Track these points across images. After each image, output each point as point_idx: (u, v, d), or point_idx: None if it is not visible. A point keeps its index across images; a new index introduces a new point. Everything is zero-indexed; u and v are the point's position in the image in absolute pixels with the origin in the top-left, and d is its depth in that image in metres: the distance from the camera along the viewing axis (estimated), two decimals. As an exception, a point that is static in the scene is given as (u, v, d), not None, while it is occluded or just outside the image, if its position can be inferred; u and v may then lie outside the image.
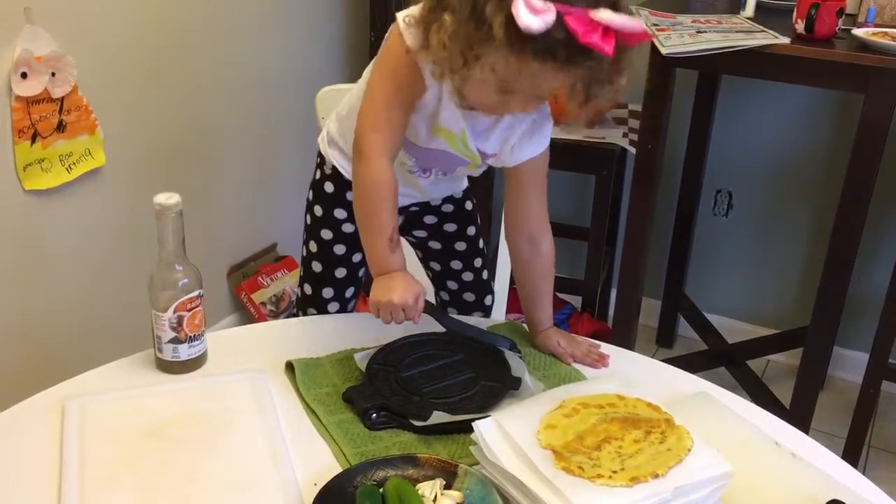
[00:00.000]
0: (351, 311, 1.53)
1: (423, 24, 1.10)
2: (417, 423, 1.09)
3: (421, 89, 1.20)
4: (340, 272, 1.48)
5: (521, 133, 1.26)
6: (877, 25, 1.91)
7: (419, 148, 1.30)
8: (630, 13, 1.02)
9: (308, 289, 1.51)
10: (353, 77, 2.85)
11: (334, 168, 1.43)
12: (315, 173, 1.49)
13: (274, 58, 2.48)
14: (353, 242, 1.41)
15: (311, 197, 1.49)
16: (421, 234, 1.55)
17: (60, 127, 1.86)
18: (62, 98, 1.84)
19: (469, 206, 1.54)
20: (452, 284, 1.59)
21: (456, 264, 1.57)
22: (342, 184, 1.42)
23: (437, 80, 1.13)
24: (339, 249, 1.47)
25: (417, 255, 1.60)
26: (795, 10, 1.84)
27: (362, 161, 1.22)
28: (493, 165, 1.34)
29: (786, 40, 1.81)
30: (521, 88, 1.07)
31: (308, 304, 1.52)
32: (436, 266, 1.59)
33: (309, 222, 1.49)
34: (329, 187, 1.45)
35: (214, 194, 2.39)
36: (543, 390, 1.17)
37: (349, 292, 1.51)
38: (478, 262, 1.58)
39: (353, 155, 1.25)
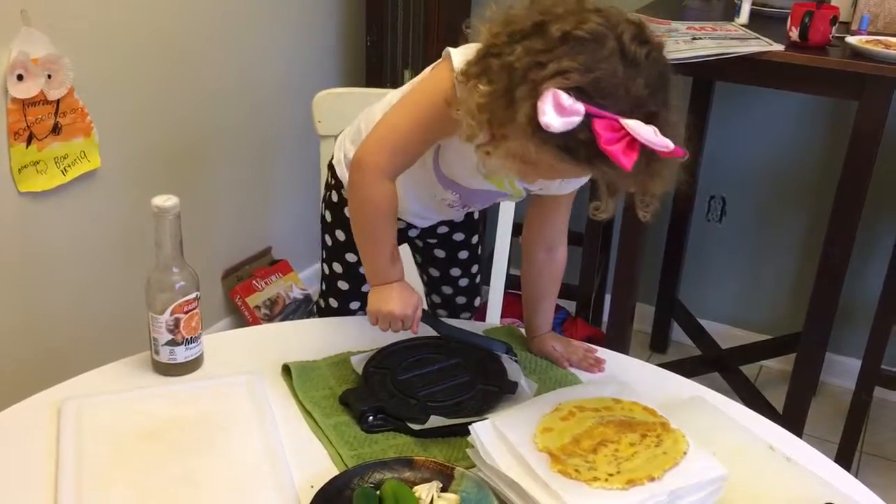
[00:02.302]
0: None
1: (464, 77, 1.02)
2: (415, 427, 1.10)
3: (449, 132, 1.12)
4: (367, 287, 1.48)
5: None
6: (870, 33, 1.92)
7: (463, 188, 1.29)
8: (671, 123, 0.98)
9: (334, 303, 1.52)
10: (350, 81, 2.86)
11: None
12: (330, 195, 1.46)
13: (270, 62, 2.49)
14: None
15: (329, 219, 1.47)
16: (432, 241, 1.55)
17: (56, 129, 1.86)
18: (58, 100, 1.84)
19: (476, 214, 1.55)
20: (447, 289, 1.59)
21: (455, 271, 1.57)
22: None
23: (462, 140, 1.05)
24: None
25: (416, 260, 1.60)
26: (789, 17, 1.85)
27: (362, 175, 1.21)
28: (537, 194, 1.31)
29: (780, 47, 1.81)
30: (542, 167, 1.01)
31: (333, 316, 1.52)
32: (434, 272, 1.59)
33: (331, 244, 1.48)
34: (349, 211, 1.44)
35: (209, 197, 2.39)
36: (537, 391, 1.17)
37: None
38: (474, 269, 1.59)
39: (353, 166, 1.22)
